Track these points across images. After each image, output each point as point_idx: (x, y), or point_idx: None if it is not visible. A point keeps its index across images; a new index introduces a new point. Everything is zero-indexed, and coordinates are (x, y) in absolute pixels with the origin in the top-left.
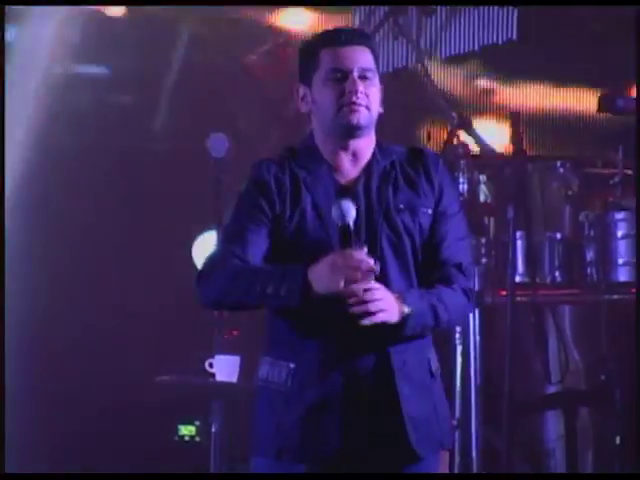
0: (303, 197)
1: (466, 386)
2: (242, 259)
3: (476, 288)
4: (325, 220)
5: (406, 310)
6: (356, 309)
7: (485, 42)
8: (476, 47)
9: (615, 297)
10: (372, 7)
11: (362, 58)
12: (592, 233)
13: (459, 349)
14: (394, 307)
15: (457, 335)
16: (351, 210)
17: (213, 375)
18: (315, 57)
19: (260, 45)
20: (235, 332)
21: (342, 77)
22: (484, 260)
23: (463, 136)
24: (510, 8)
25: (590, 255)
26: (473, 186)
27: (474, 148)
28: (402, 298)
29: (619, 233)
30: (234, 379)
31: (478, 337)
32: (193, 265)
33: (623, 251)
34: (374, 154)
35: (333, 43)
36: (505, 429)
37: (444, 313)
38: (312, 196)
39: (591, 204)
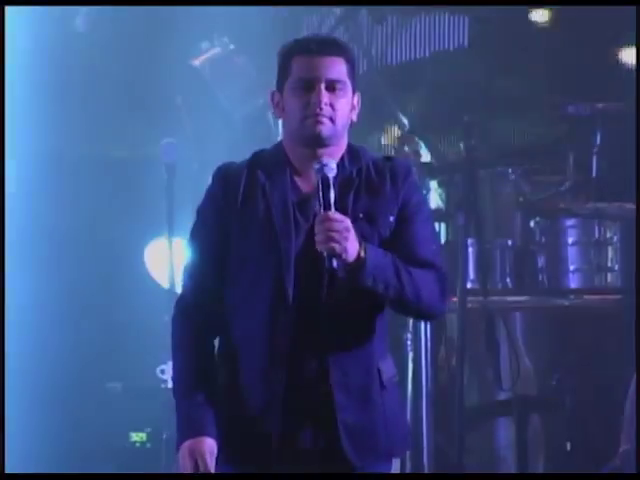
0: (258, 203)
1: (417, 392)
2: (200, 292)
3: None
4: (276, 226)
5: (363, 255)
6: (317, 236)
7: (436, 48)
8: (427, 54)
9: (566, 303)
10: (323, 14)
11: (332, 69)
12: (543, 240)
13: (410, 355)
14: (352, 245)
15: (408, 342)
16: (330, 163)
17: (165, 382)
18: (287, 64)
19: (212, 48)
20: None
21: (309, 87)
22: None
23: (414, 142)
24: (462, 15)
25: (541, 261)
26: (424, 193)
27: (425, 154)
28: (363, 245)
29: (570, 240)
30: None
31: (429, 343)
32: (145, 269)
33: (574, 257)
34: (342, 161)
35: (304, 52)
36: (456, 435)
37: (409, 281)
38: (267, 202)
39: (542, 211)
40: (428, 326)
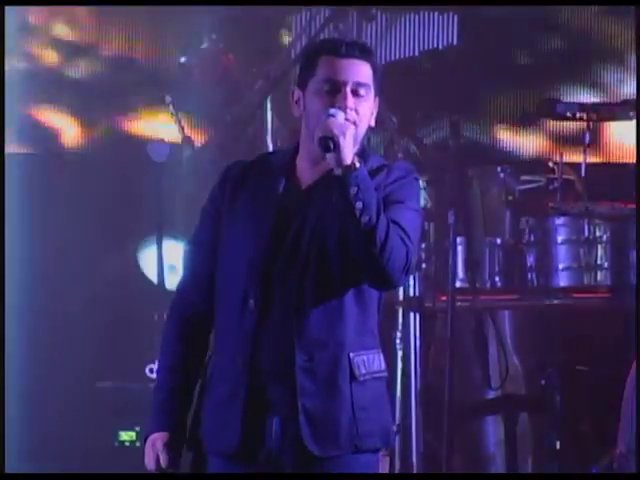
0: (248, 194)
1: (406, 391)
2: (188, 290)
3: (417, 293)
4: (258, 211)
5: (358, 165)
6: (316, 131)
7: (425, 47)
8: (416, 52)
9: (555, 302)
10: (312, 12)
11: (359, 72)
12: (532, 238)
13: (399, 354)
14: (350, 140)
15: (397, 340)
16: (338, 112)
17: (154, 380)
18: (313, 63)
19: (199, 46)
20: None
21: (335, 89)
22: (424, 265)
23: (403, 141)
24: (451, 13)
25: (530, 260)
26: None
27: (414, 153)
28: (361, 161)
29: (559, 238)
30: None
31: (418, 342)
32: (136, 269)
33: (563, 256)
34: None
35: (332, 52)
36: (445, 434)
37: (385, 224)
38: (255, 192)
39: (531, 209)
40: (417, 325)
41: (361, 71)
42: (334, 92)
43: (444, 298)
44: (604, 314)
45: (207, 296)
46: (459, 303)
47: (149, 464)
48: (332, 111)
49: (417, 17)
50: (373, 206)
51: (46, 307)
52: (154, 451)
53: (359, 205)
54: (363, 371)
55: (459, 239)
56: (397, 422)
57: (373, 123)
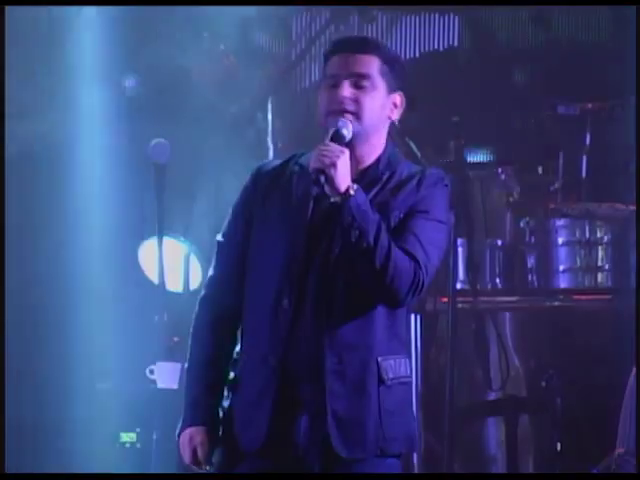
0: (280, 196)
1: None
2: (217, 285)
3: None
4: (292, 217)
5: (352, 192)
6: (312, 159)
7: (426, 48)
8: (417, 53)
9: (556, 304)
10: (313, 14)
11: (358, 65)
12: (533, 240)
13: None
14: (343, 168)
15: None
16: (347, 124)
17: (154, 382)
18: (325, 65)
19: (199, 47)
20: (176, 339)
21: (335, 83)
22: None
23: (405, 142)
24: (451, 15)
25: (531, 262)
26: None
27: (414, 155)
28: (357, 187)
29: (560, 240)
30: (175, 386)
31: (420, 343)
32: (136, 271)
33: (564, 258)
34: (377, 163)
35: (336, 51)
36: (446, 435)
37: (385, 248)
38: (289, 195)
39: (532, 211)
40: (418, 326)
41: (360, 63)
42: (335, 87)
43: (445, 300)
44: (604, 315)
45: (237, 293)
46: (460, 305)
47: (186, 457)
48: (340, 123)
49: (418, 18)
50: (370, 233)
51: (46, 308)
52: (191, 445)
53: (355, 233)
54: (391, 375)
55: (460, 240)
56: None
57: (395, 117)
